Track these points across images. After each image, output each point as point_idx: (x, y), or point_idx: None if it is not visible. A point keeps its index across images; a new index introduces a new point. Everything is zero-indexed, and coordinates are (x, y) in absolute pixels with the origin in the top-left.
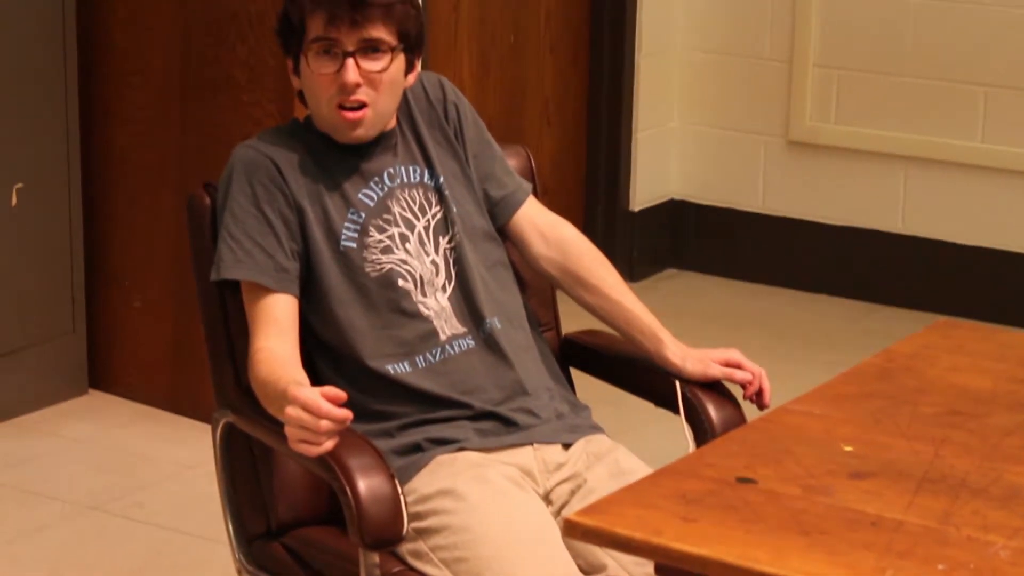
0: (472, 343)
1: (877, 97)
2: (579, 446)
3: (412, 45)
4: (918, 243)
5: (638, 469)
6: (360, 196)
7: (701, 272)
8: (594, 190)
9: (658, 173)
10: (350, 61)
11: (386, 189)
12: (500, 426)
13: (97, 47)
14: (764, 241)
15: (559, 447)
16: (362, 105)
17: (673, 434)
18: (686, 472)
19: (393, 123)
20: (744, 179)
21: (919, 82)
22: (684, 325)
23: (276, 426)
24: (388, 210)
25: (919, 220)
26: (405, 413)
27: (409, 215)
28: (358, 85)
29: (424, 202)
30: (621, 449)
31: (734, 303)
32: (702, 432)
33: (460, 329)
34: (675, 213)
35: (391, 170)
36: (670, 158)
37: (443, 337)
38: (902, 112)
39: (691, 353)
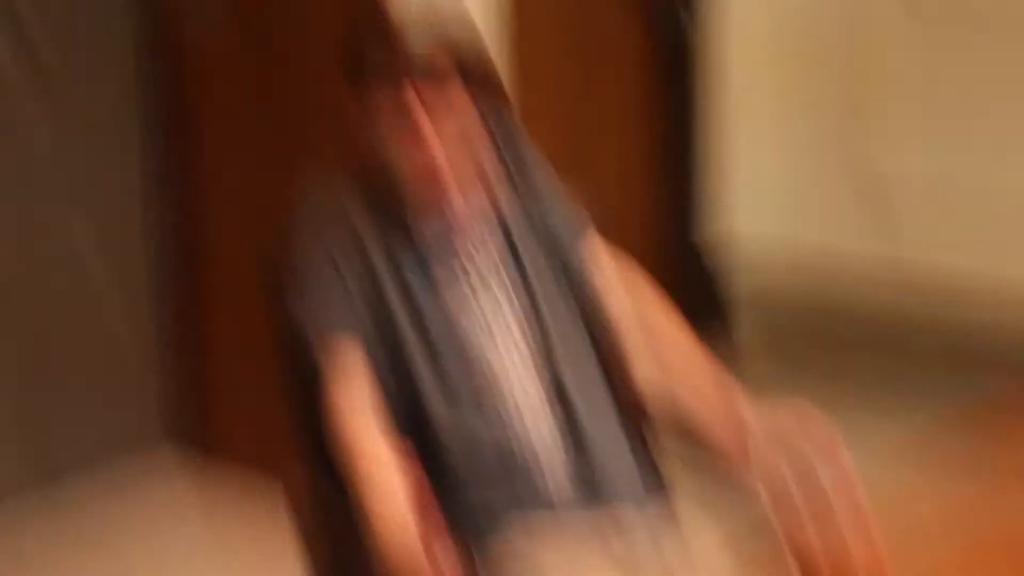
0: (546, 374)
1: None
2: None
3: (482, 88)
4: None
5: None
6: (426, 237)
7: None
8: (660, 221)
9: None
10: (423, 109)
11: (452, 228)
12: None
13: (181, 132)
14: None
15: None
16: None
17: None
18: None
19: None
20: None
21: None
22: None
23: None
24: (453, 250)
25: None
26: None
27: (475, 251)
28: (433, 133)
29: (486, 236)
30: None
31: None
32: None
33: (532, 359)
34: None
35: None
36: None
37: (515, 366)
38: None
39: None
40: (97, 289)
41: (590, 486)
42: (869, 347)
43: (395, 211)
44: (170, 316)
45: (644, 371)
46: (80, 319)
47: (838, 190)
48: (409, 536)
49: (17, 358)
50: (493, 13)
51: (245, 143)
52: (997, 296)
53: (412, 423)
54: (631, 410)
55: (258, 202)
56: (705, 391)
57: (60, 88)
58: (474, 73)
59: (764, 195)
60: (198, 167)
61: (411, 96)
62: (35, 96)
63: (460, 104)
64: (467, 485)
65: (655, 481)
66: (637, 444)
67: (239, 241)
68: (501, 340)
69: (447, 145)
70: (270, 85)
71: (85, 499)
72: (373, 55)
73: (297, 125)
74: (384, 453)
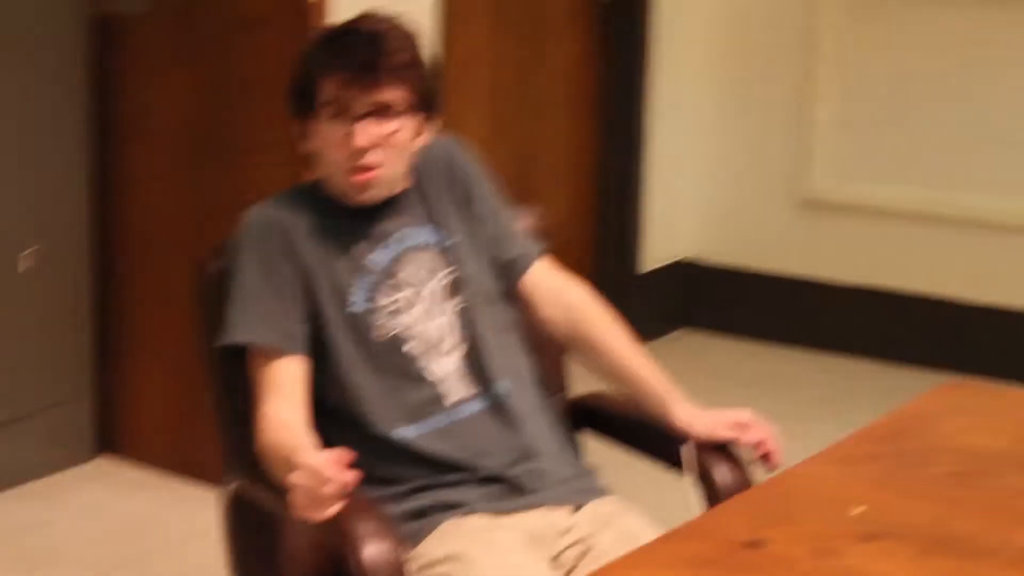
0: (480, 407)
1: (887, 155)
2: (588, 509)
3: (423, 107)
4: (928, 302)
5: (646, 533)
6: (369, 259)
7: (711, 332)
8: (604, 251)
9: (668, 233)
10: (361, 124)
11: (395, 252)
12: (508, 490)
13: (111, 112)
14: (773, 301)
15: (567, 510)
16: (373, 167)
17: (683, 496)
18: (693, 536)
19: (404, 185)
20: (753, 239)
21: (932, 140)
22: (695, 386)
23: (284, 493)
24: (397, 273)
25: (929, 278)
26: (413, 477)
27: (418, 278)
28: (369, 148)
29: (434, 265)
30: (630, 512)
31: (744, 363)
32: (711, 494)
33: (468, 392)
34: (685, 273)
35: (400, 232)
36: (680, 218)
37: (450, 401)
38: (915, 169)
39: (700, 415)
40: (24, 284)
41: (525, 485)
42: (802, 357)
43: (333, 223)
44: (97, 310)
45: (550, 312)
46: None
47: (778, 211)
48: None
49: None
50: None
51: (177, 132)
52: (936, 310)
53: (350, 433)
54: (565, 417)
55: (190, 191)
56: (644, 367)
57: None
58: (424, 98)
59: (697, 218)
60: (130, 157)
61: (359, 134)
62: None
63: (405, 134)
64: (403, 495)
65: (587, 480)
66: (569, 448)
67: (170, 234)
68: (436, 350)
69: (389, 169)
70: (200, 64)
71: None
72: (322, 92)
73: (227, 112)
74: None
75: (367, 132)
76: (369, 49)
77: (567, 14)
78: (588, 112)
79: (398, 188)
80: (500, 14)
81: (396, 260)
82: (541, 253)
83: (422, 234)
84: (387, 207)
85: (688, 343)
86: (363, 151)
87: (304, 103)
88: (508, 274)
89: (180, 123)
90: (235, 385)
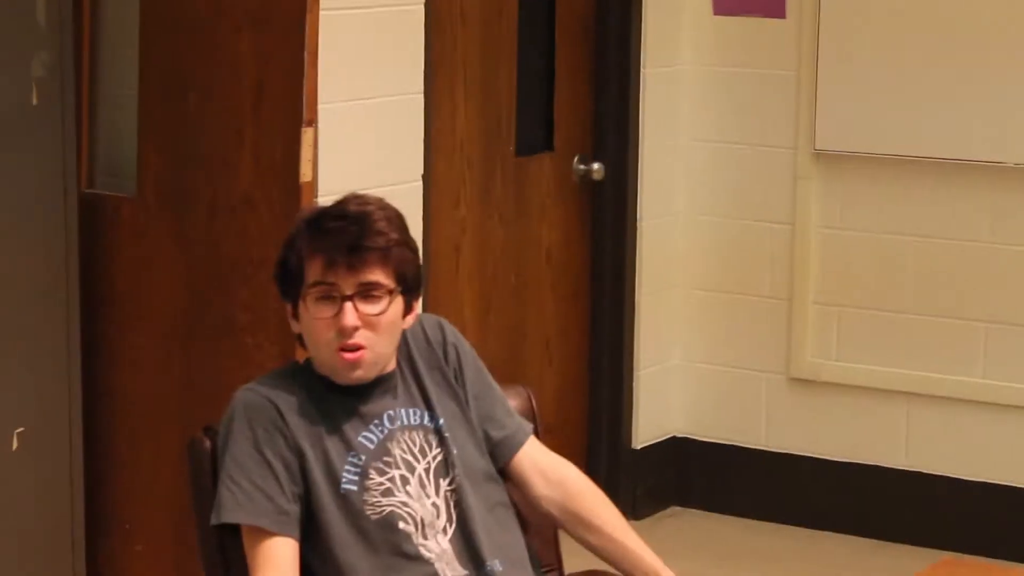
0: None
1: (878, 334)
2: None
3: (410, 287)
4: (922, 479)
5: None
6: (360, 439)
7: (705, 510)
8: (596, 428)
9: (660, 411)
10: (348, 305)
11: (386, 431)
12: None
13: (100, 291)
14: (767, 478)
15: None
16: (361, 347)
17: None
18: None
19: (393, 365)
20: (746, 416)
21: (919, 319)
22: (688, 564)
23: None
24: (388, 452)
25: (922, 456)
26: None
27: (410, 457)
28: (356, 328)
29: (424, 444)
30: None
31: (738, 541)
32: None
33: (461, 572)
34: (678, 450)
35: (391, 412)
36: (672, 395)
37: None
38: (903, 348)
39: None
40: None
41: None
42: (797, 534)
43: (323, 402)
44: (87, 488)
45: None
46: None
47: (770, 388)
48: None
49: None
50: None
51: (167, 311)
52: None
53: None
54: None
55: (180, 369)
56: (636, 545)
57: None
58: (410, 278)
59: (688, 395)
60: (120, 335)
61: (346, 314)
62: None
63: (392, 313)
64: None
65: None
66: None
67: (160, 412)
68: (430, 529)
69: (377, 349)
70: (189, 245)
71: None
72: (309, 274)
73: (217, 292)
74: None
75: (354, 312)
76: (354, 230)
77: (554, 194)
78: (577, 290)
79: (388, 368)
80: (486, 195)
81: (387, 440)
82: (531, 432)
83: (412, 414)
84: (377, 386)
85: (681, 520)
86: (351, 331)
87: (291, 284)
88: (499, 452)
89: (170, 302)
90: (228, 563)
